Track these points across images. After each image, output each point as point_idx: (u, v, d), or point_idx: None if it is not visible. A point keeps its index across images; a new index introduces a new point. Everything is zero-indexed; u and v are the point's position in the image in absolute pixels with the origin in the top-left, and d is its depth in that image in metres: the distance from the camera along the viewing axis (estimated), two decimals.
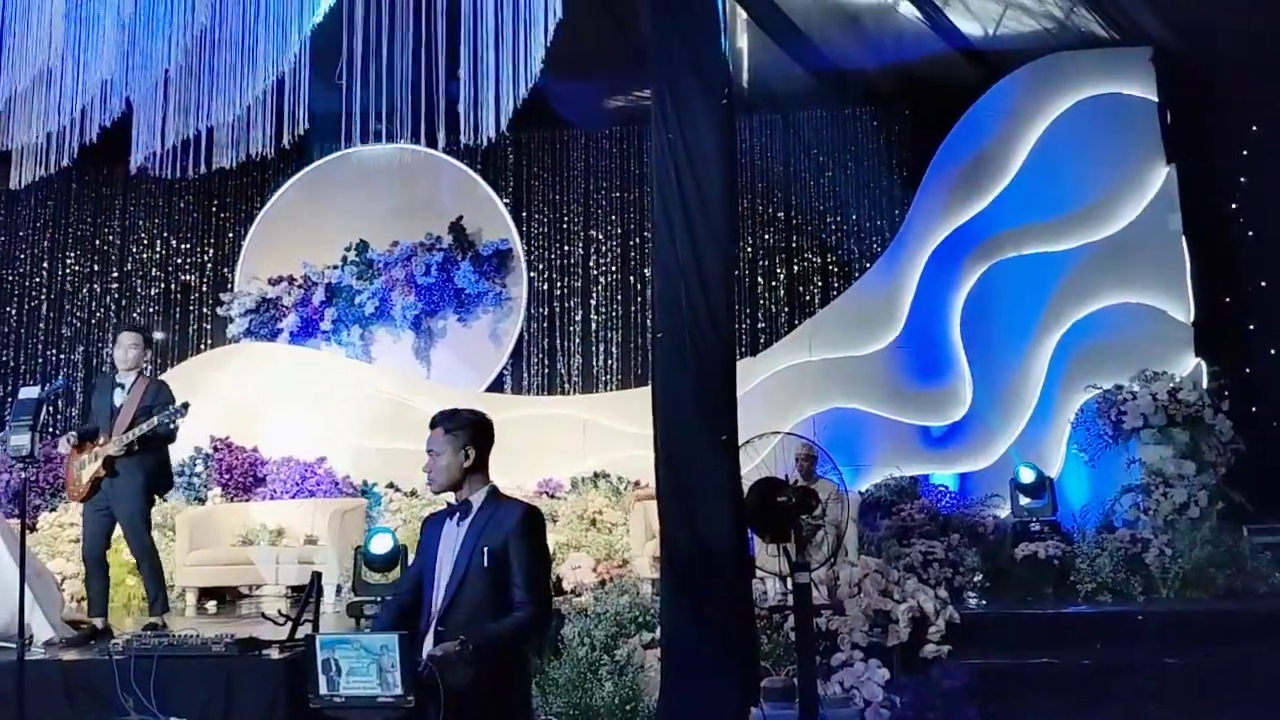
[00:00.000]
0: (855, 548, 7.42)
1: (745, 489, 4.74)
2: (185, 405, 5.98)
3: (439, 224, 10.86)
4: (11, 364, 11.52)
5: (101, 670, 5.01)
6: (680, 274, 4.69)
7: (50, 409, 8.88)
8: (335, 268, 10.96)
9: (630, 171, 10.93)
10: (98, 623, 5.95)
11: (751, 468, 4.92)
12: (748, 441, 4.87)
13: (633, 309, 10.84)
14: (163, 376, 10.46)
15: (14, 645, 5.17)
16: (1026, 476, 8.46)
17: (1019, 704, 5.46)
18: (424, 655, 3.22)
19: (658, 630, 5.23)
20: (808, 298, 10.65)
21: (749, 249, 10.65)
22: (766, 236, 10.80)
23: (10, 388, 11.19)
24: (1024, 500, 8.43)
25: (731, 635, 4.52)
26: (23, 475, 5.66)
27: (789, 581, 4.92)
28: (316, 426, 10.04)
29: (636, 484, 9.03)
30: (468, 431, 3.47)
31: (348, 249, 10.99)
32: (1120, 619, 6.46)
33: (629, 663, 5.46)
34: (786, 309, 10.64)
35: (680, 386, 4.68)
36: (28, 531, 5.78)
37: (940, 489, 9.32)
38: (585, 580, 7.87)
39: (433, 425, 3.49)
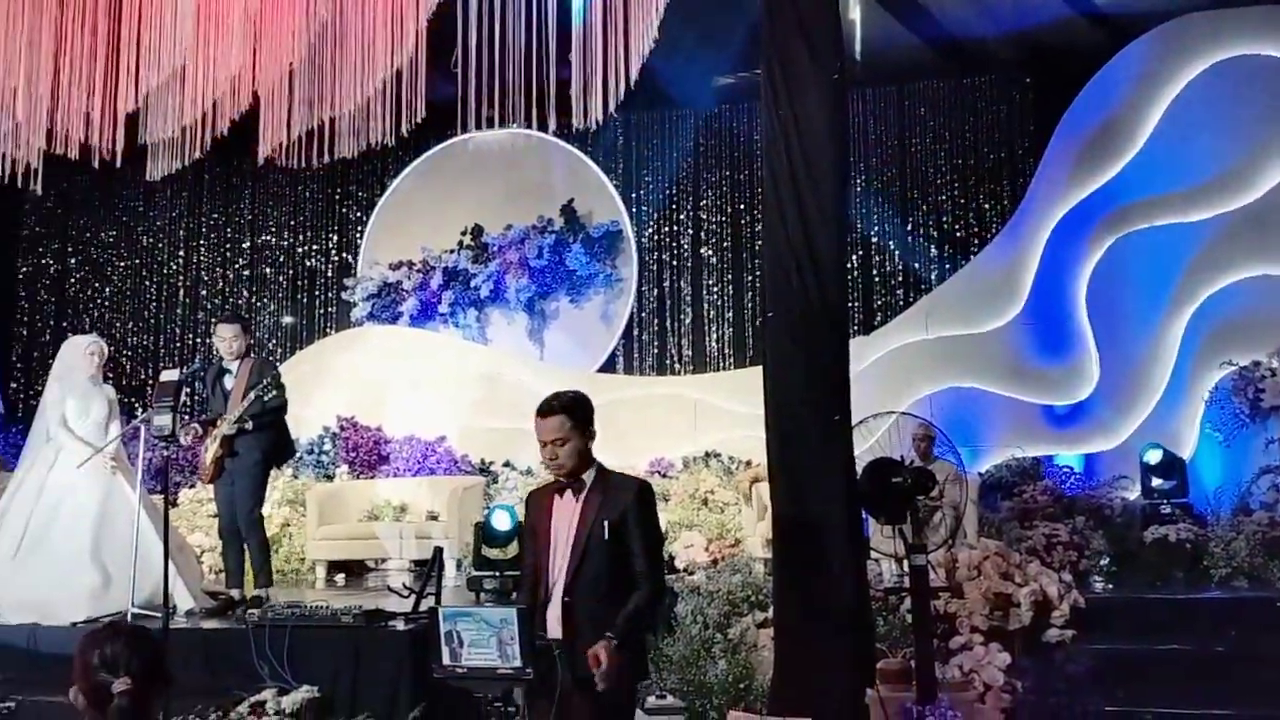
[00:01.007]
0: (974, 530, 7.28)
1: (859, 469, 4.68)
2: (276, 376, 6.21)
3: (550, 206, 10.99)
4: (151, 348, 12.16)
5: (238, 639, 5.27)
6: (791, 252, 4.64)
7: (189, 390, 9.34)
8: (452, 252, 11.21)
9: (740, 150, 10.85)
10: (234, 594, 6.25)
11: (865, 448, 4.86)
12: (861, 421, 4.80)
13: (744, 288, 10.80)
14: (291, 359, 10.98)
15: (159, 614, 5.49)
16: (1153, 458, 8.15)
17: (1147, 690, 5.28)
18: (549, 626, 3.32)
19: (771, 610, 5.23)
20: (924, 274, 10.42)
21: (862, 225, 10.47)
22: (881, 212, 10.61)
23: (151, 371, 11.81)
24: (1155, 482, 8.12)
25: (846, 616, 4.48)
26: (165, 454, 5.97)
27: (905, 563, 4.85)
28: (436, 407, 10.32)
29: (748, 464, 9.02)
30: (583, 412, 3.50)
31: (463, 233, 11.22)
32: (1257, 605, 6.18)
33: (742, 641, 5.48)
34: (902, 286, 10.45)
35: (792, 366, 4.64)
36: (170, 507, 6.11)
37: (1065, 470, 9.04)
38: (698, 559, 7.91)
39: (549, 413, 3.45)
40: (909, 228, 10.55)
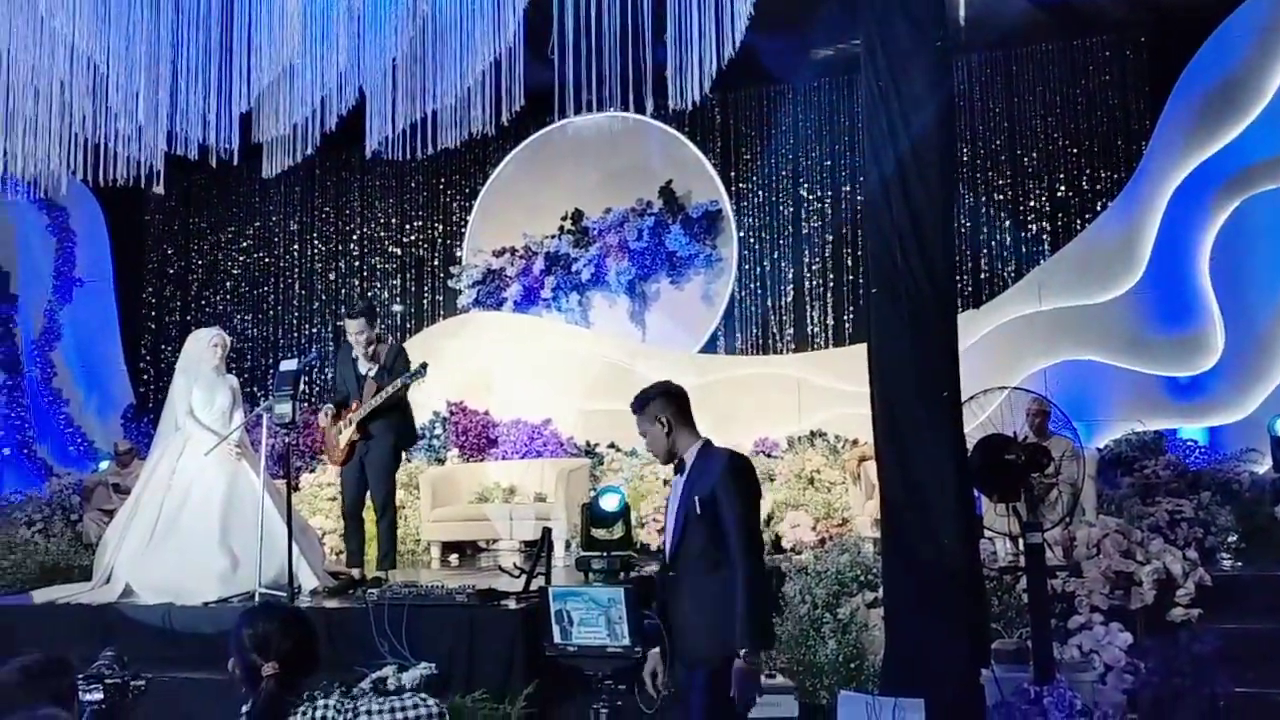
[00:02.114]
0: (1093, 507, 7.08)
1: (969, 447, 4.59)
2: (424, 365, 6.40)
3: (649, 189, 11.00)
4: (270, 339, 12.64)
5: (359, 617, 5.46)
6: (894, 227, 4.56)
7: (306, 378, 9.69)
8: (553, 237, 11.33)
9: (840, 124, 10.67)
10: (355, 573, 6.48)
11: (976, 425, 4.77)
12: (971, 398, 4.71)
13: (845, 265, 10.64)
14: (404, 346, 11.28)
15: (284, 594, 5.72)
16: None
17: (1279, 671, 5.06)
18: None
19: (880, 589, 5.18)
20: (1036, 245, 10.10)
21: (970, 197, 10.19)
22: (989, 182, 10.32)
23: (270, 361, 12.28)
24: None
25: (958, 596, 4.41)
26: (286, 440, 6.22)
27: (1020, 542, 4.74)
28: (541, 390, 10.47)
29: (854, 442, 8.91)
30: (654, 404, 3.67)
31: (564, 218, 11.32)
32: None
33: (852, 621, 5.44)
34: (1012, 258, 10.14)
35: (897, 343, 4.57)
36: (291, 491, 6.35)
37: (1188, 444, 8.70)
38: (804, 538, 7.88)
39: (633, 412, 3.74)
40: (1019, 197, 10.23)
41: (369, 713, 2.39)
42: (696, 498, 3.49)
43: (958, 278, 9.27)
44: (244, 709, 2.44)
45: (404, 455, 9.16)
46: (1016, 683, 4.49)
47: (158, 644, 5.70)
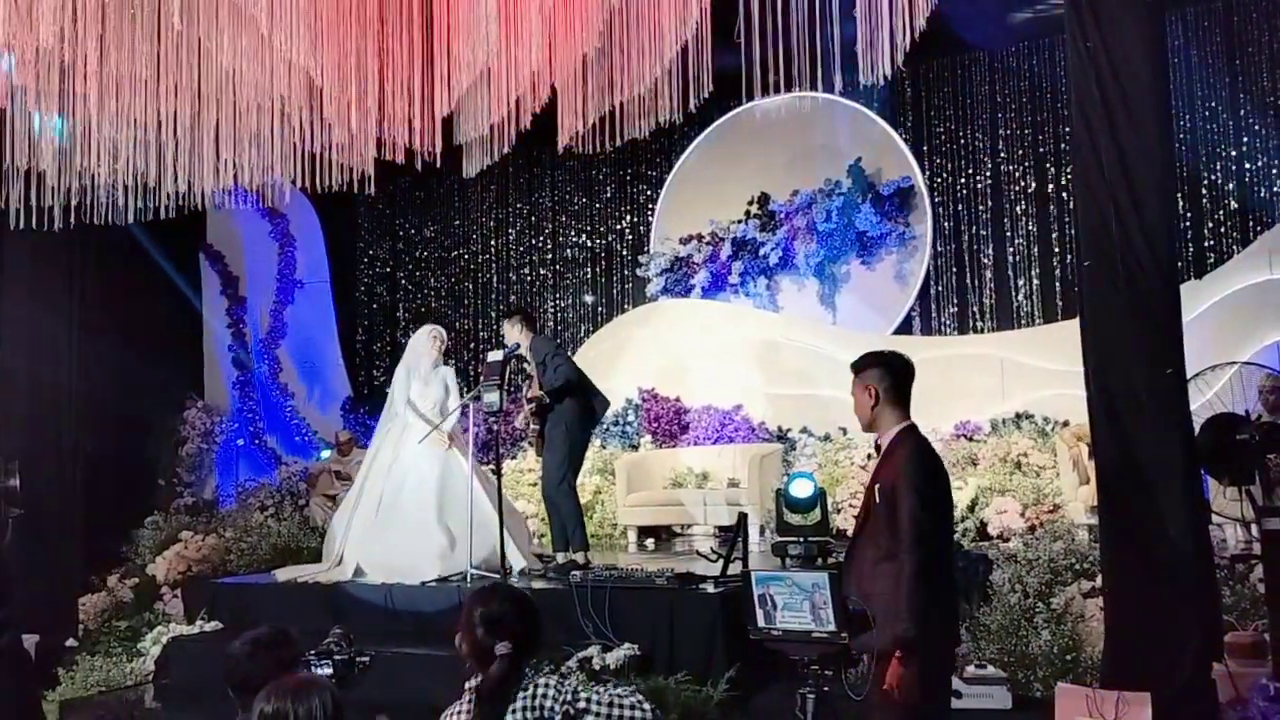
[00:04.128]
0: None
1: (1196, 426, 4.30)
2: (516, 347, 6.61)
3: (837, 168, 10.79)
4: (472, 330, 13.19)
5: (564, 598, 5.64)
6: (1108, 195, 4.32)
7: (509, 369, 10.07)
8: (739, 222, 11.29)
9: (1042, 90, 10.14)
10: (560, 557, 6.69)
11: (1202, 403, 4.46)
12: (1197, 374, 4.41)
13: (1051, 238, 10.12)
14: (593, 336, 11.56)
15: (497, 574, 5.98)
16: None
17: None
18: None
19: (1098, 579, 4.92)
20: (1265, 208, 9.30)
21: (1188, 158, 9.49)
22: (1210, 142, 9.57)
23: (472, 352, 12.81)
24: None
25: (1185, 586, 4.14)
26: (494, 427, 6.48)
27: (1254, 528, 4.41)
28: (731, 375, 10.47)
29: (1065, 424, 8.48)
30: (870, 373, 3.46)
31: (750, 202, 11.27)
32: None
33: (1067, 611, 5.21)
34: (1238, 223, 9.38)
35: (1114, 318, 4.32)
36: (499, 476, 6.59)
37: None
38: (1012, 525, 7.57)
39: (851, 372, 3.54)
40: (1244, 157, 9.44)
41: (588, 700, 2.45)
42: (877, 486, 3.36)
43: (1179, 246, 8.68)
44: (468, 684, 2.56)
45: (595, 440, 9.37)
46: (1254, 679, 4.18)
47: (379, 621, 6.08)
